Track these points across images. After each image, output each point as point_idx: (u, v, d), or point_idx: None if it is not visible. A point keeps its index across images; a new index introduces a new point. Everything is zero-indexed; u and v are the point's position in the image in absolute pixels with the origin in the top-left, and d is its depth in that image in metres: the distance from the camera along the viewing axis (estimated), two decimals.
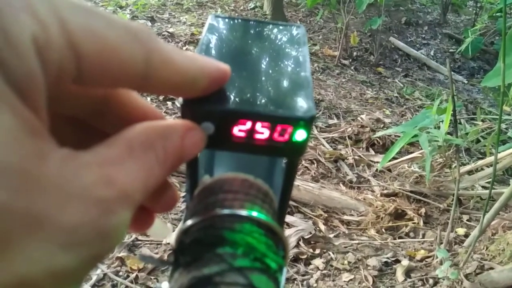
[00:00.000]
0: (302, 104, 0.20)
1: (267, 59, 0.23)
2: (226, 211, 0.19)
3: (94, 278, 1.16)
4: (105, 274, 1.19)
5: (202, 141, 0.19)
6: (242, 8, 4.13)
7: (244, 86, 0.20)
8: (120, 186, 0.14)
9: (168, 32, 3.07)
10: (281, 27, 0.27)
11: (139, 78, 0.15)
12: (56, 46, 0.13)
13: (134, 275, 1.19)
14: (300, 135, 0.19)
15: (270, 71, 0.22)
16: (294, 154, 0.21)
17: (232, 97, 0.19)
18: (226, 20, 0.27)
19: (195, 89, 0.18)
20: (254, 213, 0.20)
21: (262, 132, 0.19)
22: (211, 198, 0.20)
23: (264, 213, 0.20)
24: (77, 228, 0.13)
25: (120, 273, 1.20)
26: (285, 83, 0.21)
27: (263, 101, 0.19)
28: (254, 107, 0.19)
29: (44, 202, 0.12)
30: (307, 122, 0.19)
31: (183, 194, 1.14)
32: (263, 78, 0.21)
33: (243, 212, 0.19)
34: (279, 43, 0.25)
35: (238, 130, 0.19)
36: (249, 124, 0.19)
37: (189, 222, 0.19)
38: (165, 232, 1.30)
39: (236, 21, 0.27)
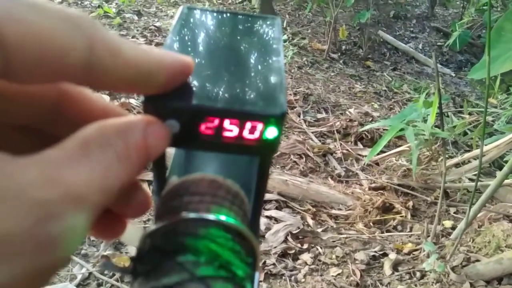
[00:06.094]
0: (273, 100, 0.18)
1: (239, 53, 0.22)
2: (190, 215, 0.18)
3: (79, 277, 1.14)
4: (90, 273, 1.17)
5: (166, 136, 0.17)
6: (230, 1, 4.09)
7: (212, 81, 0.19)
8: (67, 185, 0.13)
9: (155, 26, 3.02)
10: (255, 19, 0.26)
11: (81, 69, 0.14)
12: None
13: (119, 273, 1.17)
14: (271, 132, 0.18)
15: (241, 66, 0.21)
16: (265, 152, 0.19)
17: (198, 93, 0.18)
18: (198, 11, 0.26)
19: (152, 84, 0.16)
20: (222, 217, 0.18)
21: (231, 129, 0.18)
22: (176, 201, 0.19)
23: (233, 216, 0.19)
24: (8, 238, 0.11)
25: (106, 272, 1.18)
26: (257, 78, 0.20)
27: (232, 97, 0.18)
28: (222, 103, 0.18)
29: None
30: (278, 119, 0.18)
31: None
32: (234, 73, 0.20)
33: (209, 216, 0.18)
34: (252, 36, 0.24)
35: (205, 128, 0.18)
36: (216, 121, 0.18)
37: (151, 228, 0.18)
38: None
39: (208, 13, 0.26)
